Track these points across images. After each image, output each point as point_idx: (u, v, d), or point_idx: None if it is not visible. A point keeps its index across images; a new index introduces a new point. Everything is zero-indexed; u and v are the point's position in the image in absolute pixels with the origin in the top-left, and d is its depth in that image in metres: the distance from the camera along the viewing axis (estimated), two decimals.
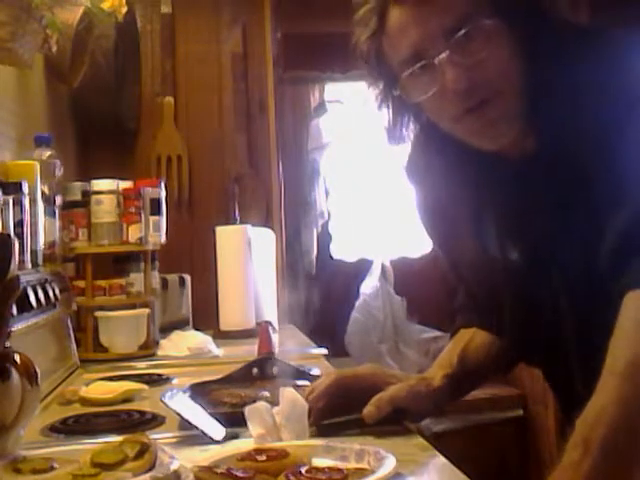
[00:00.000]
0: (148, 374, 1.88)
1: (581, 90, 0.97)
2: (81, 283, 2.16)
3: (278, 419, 1.13)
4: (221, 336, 2.49)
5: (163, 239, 2.34)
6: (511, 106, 1.01)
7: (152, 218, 2.26)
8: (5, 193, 1.53)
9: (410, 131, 1.12)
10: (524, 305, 1.11)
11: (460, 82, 0.99)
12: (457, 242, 1.16)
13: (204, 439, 1.15)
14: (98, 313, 2.15)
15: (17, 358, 1.09)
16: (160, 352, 2.19)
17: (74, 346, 2.01)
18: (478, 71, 0.99)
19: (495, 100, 1.01)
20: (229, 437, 1.17)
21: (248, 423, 1.13)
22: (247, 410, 1.14)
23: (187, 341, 2.21)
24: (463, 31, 0.98)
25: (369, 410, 1.18)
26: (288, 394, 1.16)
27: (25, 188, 1.62)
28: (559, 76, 0.98)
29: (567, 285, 1.03)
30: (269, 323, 2.48)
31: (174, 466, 0.97)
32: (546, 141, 1.01)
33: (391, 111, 1.11)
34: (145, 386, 1.63)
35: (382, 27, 1.05)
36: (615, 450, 0.80)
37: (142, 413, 1.41)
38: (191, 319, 2.67)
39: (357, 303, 3.75)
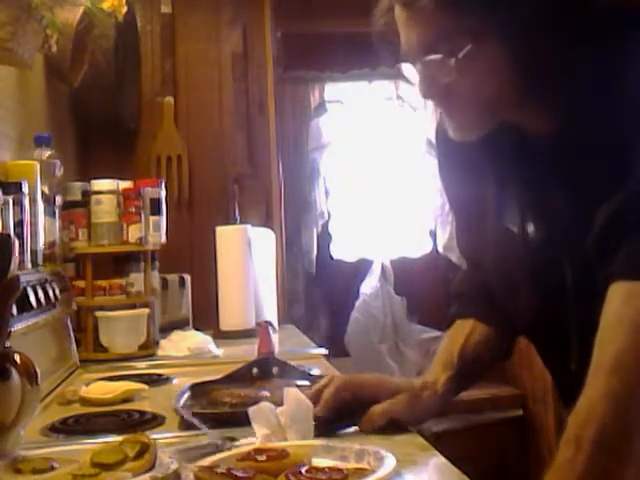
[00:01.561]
0: (148, 374, 1.88)
1: (603, 75, 0.97)
2: (81, 283, 2.16)
3: (282, 419, 1.13)
4: (221, 336, 2.49)
5: (163, 239, 2.34)
6: (475, 116, 1.05)
7: (152, 218, 2.26)
8: (5, 193, 1.53)
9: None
10: (536, 283, 1.10)
11: (428, 92, 1.05)
12: (479, 216, 1.17)
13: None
14: (98, 313, 2.15)
15: (17, 358, 1.09)
16: (160, 352, 2.19)
17: (74, 346, 2.01)
18: (446, 88, 1.03)
19: (460, 111, 1.05)
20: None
21: (253, 424, 1.12)
22: (251, 411, 1.13)
23: (187, 341, 2.21)
24: (432, 57, 1.00)
25: (363, 421, 1.19)
26: (293, 394, 1.15)
27: (25, 188, 1.62)
28: (584, 65, 0.99)
29: (573, 268, 1.04)
30: (269, 323, 2.48)
31: (174, 466, 0.97)
32: (567, 123, 1.01)
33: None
34: (145, 386, 1.63)
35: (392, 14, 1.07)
36: (607, 446, 0.80)
37: (142, 413, 1.41)
38: (191, 319, 2.67)
39: (357, 303, 3.76)
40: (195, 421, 1.20)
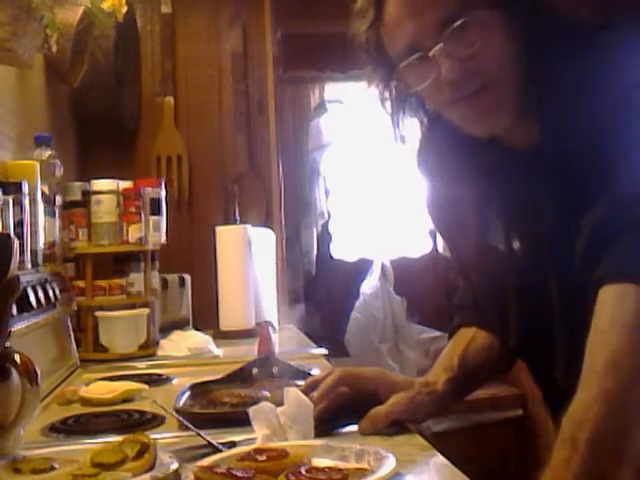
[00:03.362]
0: (148, 374, 1.88)
1: (586, 85, 0.97)
2: (81, 283, 2.16)
3: (283, 419, 1.13)
4: (221, 336, 2.49)
5: (163, 239, 2.34)
6: (505, 94, 1.02)
7: (152, 218, 2.27)
8: (5, 193, 1.53)
9: (411, 125, 1.13)
10: (524, 300, 1.10)
11: (454, 73, 1.00)
12: (463, 236, 1.16)
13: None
14: (98, 313, 2.15)
15: (17, 358, 1.09)
16: (160, 352, 2.19)
17: (74, 346, 2.01)
18: (472, 61, 0.99)
19: (489, 88, 1.01)
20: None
21: (253, 424, 1.12)
22: (252, 411, 1.13)
23: (187, 341, 2.21)
24: (457, 23, 0.98)
25: (364, 424, 1.18)
26: (293, 394, 1.15)
27: (25, 188, 1.62)
28: (564, 70, 0.99)
29: (559, 280, 1.03)
30: (269, 323, 2.48)
31: (174, 466, 0.97)
32: (550, 133, 1.01)
33: (390, 104, 1.11)
34: (145, 386, 1.63)
35: (380, 17, 1.05)
36: (602, 446, 0.80)
37: (142, 413, 1.41)
38: (191, 319, 2.67)
39: (357, 303, 3.76)
40: (190, 425, 1.19)
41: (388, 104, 1.12)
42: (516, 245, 1.09)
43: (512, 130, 1.05)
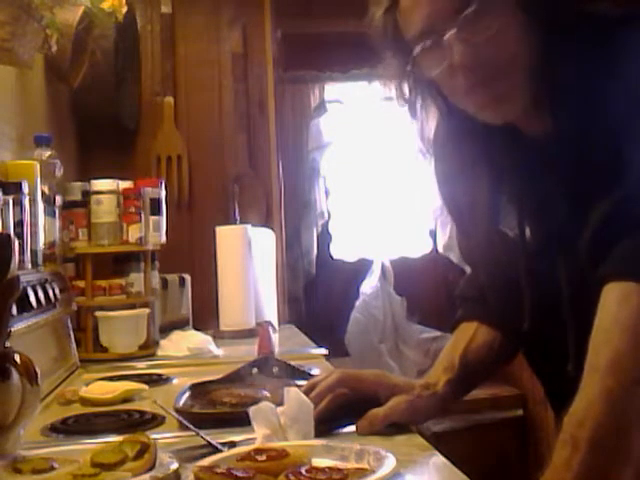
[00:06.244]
0: (148, 374, 1.88)
1: (603, 80, 0.97)
2: (81, 283, 2.16)
3: (283, 419, 1.13)
4: (221, 336, 2.49)
5: (163, 239, 2.34)
6: (517, 83, 1.02)
7: (152, 218, 2.26)
8: (5, 193, 1.53)
9: (427, 106, 1.13)
10: (535, 286, 1.10)
11: (466, 59, 1.00)
12: (475, 221, 1.16)
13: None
14: (98, 313, 2.15)
15: (17, 358, 1.09)
16: (160, 352, 2.19)
17: (74, 346, 2.01)
18: (485, 48, 0.99)
19: (501, 77, 1.01)
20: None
21: (253, 423, 1.12)
22: (252, 410, 1.13)
23: (187, 341, 2.21)
24: (471, 9, 0.97)
25: (362, 424, 1.18)
26: (294, 394, 1.15)
27: (25, 188, 1.62)
28: (581, 64, 0.99)
29: (568, 269, 1.03)
30: (269, 323, 2.48)
31: (174, 466, 0.97)
32: (565, 127, 1.01)
33: (407, 90, 1.11)
34: (145, 386, 1.63)
35: (396, 3, 1.05)
36: (604, 445, 0.81)
37: (142, 413, 1.41)
38: (191, 319, 2.67)
39: (357, 303, 3.76)
40: (191, 425, 1.19)
41: (406, 91, 1.12)
42: (527, 232, 1.09)
43: (527, 118, 1.05)
